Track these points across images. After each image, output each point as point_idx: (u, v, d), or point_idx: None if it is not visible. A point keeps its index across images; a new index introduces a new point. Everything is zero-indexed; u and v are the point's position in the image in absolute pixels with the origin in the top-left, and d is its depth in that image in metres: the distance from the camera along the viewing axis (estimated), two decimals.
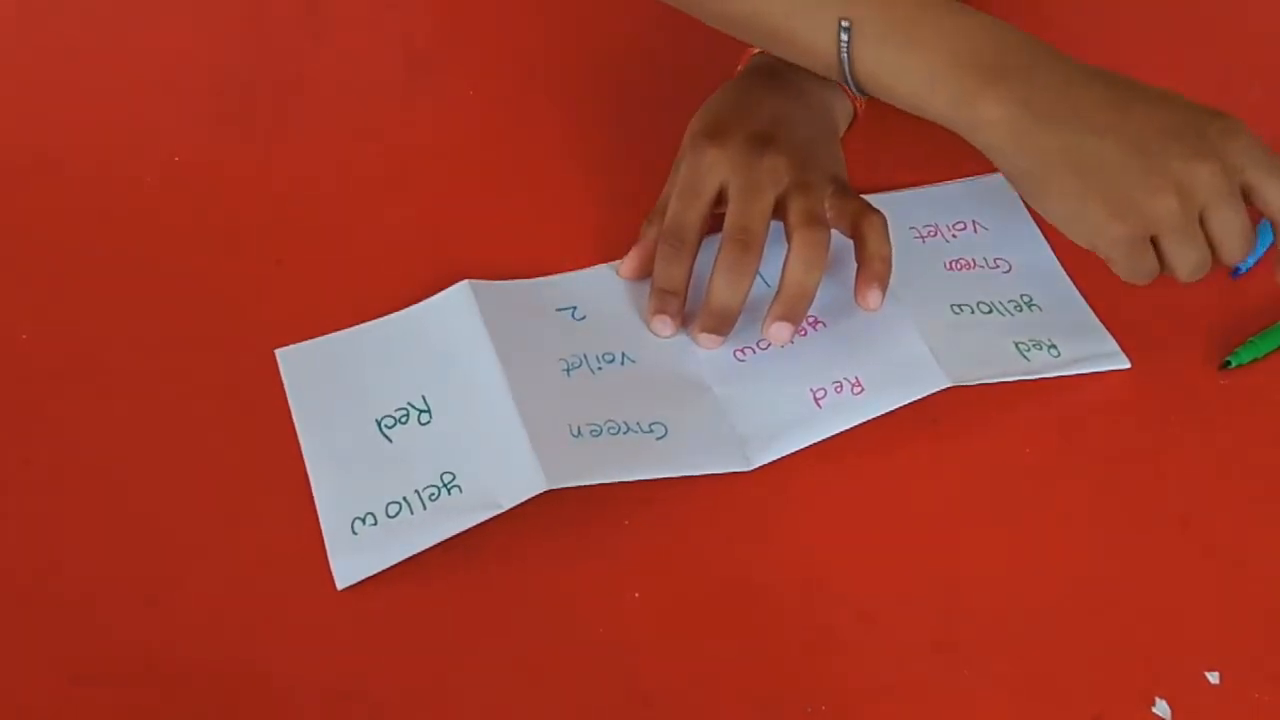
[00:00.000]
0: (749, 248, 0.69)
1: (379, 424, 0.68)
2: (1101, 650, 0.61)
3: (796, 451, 0.67)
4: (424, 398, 0.69)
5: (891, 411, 0.67)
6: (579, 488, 0.64)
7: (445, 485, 0.65)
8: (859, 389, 0.68)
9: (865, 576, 0.64)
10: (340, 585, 0.63)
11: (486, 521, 0.63)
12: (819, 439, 0.67)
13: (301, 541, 0.64)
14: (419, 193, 0.78)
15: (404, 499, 0.65)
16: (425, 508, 0.65)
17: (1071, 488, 0.67)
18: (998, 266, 0.75)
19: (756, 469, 0.66)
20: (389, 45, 0.88)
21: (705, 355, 0.70)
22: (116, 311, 0.74)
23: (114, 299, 0.74)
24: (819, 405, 0.68)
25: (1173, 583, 0.63)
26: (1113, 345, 0.71)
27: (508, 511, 0.63)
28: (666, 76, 0.85)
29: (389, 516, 0.64)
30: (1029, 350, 0.70)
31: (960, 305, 0.72)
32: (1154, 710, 0.59)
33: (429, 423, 0.68)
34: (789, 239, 0.69)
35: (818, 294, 0.69)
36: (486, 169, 0.81)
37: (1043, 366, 0.69)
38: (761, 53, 0.76)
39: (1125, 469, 0.67)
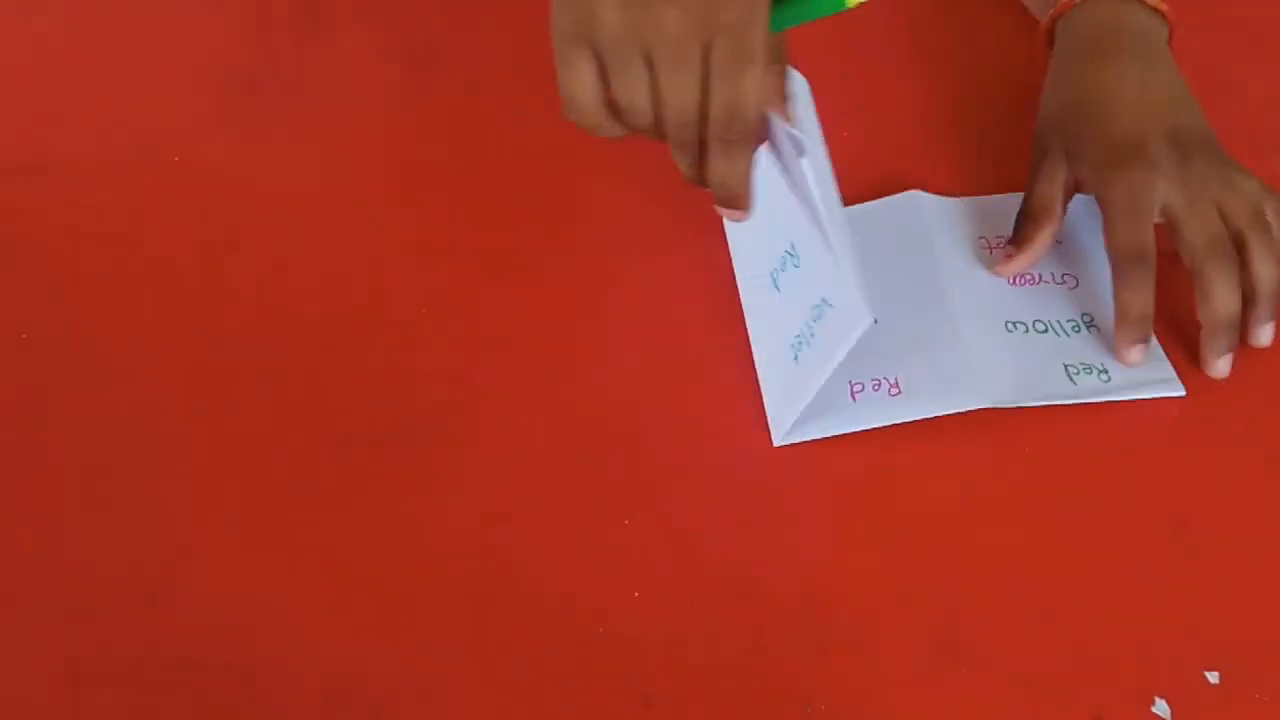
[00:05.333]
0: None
1: (772, 276, 0.71)
2: (1101, 650, 0.61)
3: (794, 451, 0.67)
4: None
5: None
6: (574, 482, 0.65)
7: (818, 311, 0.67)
8: (896, 390, 0.68)
9: (865, 576, 0.64)
10: (779, 438, 0.67)
11: (485, 521, 0.64)
12: (845, 431, 0.67)
13: (301, 539, 0.64)
14: (418, 192, 0.78)
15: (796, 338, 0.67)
16: (814, 335, 0.66)
17: (1071, 487, 0.67)
18: (1064, 282, 0.73)
19: (756, 468, 0.67)
20: (389, 45, 0.88)
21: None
22: (116, 312, 0.74)
23: (113, 299, 0.75)
24: (854, 399, 0.68)
25: (1172, 583, 0.63)
26: (1169, 371, 0.69)
27: (506, 511, 0.64)
28: None
29: (795, 361, 0.67)
30: (1078, 374, 0.69)
31: (1015, 323, 0.71)
32: (1154, 710, 0.59)
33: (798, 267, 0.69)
34: (1241, 244, 0.69)
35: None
36: (486, 169, 0.81)
37: (1089, 391, 0.68)
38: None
39: (1125, 468, 0.67)
